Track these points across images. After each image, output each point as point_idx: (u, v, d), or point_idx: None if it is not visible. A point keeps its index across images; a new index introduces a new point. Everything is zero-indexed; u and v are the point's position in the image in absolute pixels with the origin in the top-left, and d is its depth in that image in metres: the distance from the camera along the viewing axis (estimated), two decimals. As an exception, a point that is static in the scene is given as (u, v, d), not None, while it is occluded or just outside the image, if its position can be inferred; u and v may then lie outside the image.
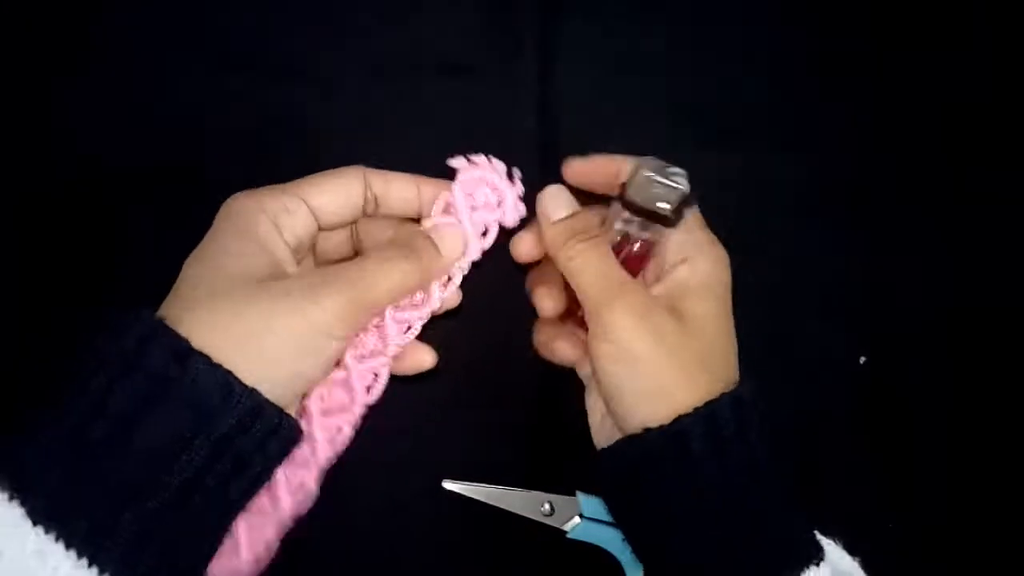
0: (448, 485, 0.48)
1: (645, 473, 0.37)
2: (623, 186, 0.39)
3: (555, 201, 0.41)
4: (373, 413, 0.48)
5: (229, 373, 0.32)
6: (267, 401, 0.34)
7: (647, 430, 0.37)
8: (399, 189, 0.42)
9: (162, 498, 0.32)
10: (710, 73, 0.52)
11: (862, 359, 0.51)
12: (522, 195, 0.43)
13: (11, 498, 0.30)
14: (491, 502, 0.47)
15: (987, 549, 0.49)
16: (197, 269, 0.36)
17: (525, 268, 0.46)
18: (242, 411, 0.33)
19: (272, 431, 0.34)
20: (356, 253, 0.44)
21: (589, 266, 0.39)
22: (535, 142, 0.51)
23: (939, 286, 0.51)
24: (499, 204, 0.43)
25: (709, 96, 0.52)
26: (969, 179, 0.52)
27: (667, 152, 0.51)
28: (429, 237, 0.41)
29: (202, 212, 0.49)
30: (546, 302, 0.43)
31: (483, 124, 0.51)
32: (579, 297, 0.40)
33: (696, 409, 0.36)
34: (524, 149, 0.51)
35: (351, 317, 0.36)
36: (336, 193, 0.40)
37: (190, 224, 0.45)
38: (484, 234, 0.43)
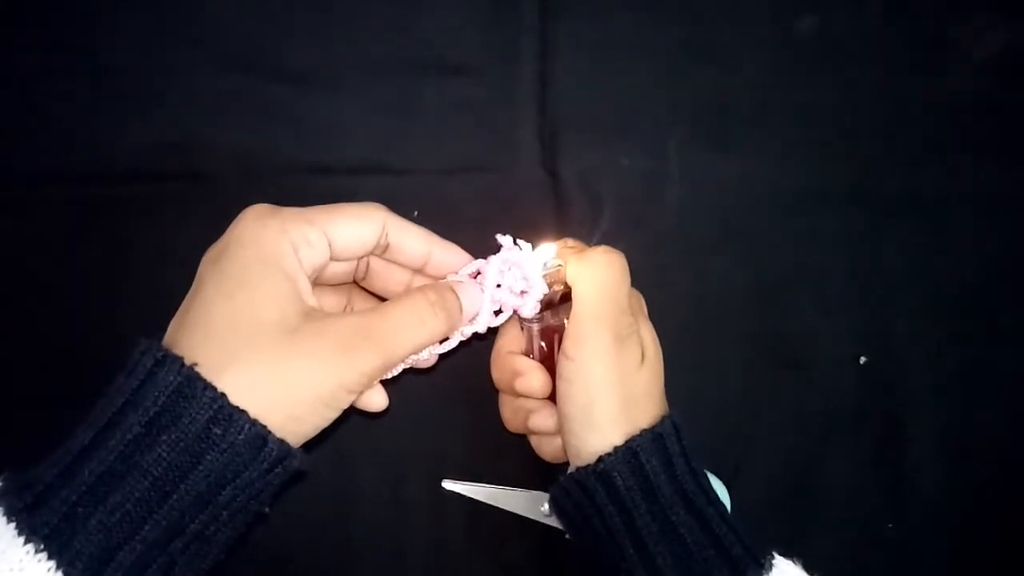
0: (448, 485, 0.48)
1: (585, 509, 0.39)
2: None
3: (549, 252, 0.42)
4: (373, 413, 0.48)
5: (264, 428, 0.33)
6: (294, 450, 0.35)
7: (580, 468, 0.38)
8: (413, 242, 0.41)
9: (184, 539, 0.33)
10: (710, 73, 0.52)
11: (862, 359, 0.51)
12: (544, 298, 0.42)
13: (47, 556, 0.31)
14: (491, 502, 0.47)
15: (987, 549, 0.50)
16: (228, 308, 0.35)
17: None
18: (272, 461, 0.34)
19: (291, 474, 0.36)
20: (355, 282, 0.44)
21: (604, 279, 0.40)
22: (535, 142, 0.51)
23: (939, 286, 0.51)
24: (522, 294, 0.42)
25: (709, 96, 0.52)
26: (970, 179, 0.52)
27: (666, 151, 0.52)
28: (457, 295, 0.40)
29: (202, 212, 0.49)
30: (535, 382, 0.43)
31: (483, 124, 0.51)
32: (575, 305, 0.40)
33: (616, 448, 0.38)
34: (524, 149, 0.51)
35: (378, 374, 0.37)
36: (356, 231, 0.39)
37: (190, 224, 0.45)
38: (497, 313, 0.42)
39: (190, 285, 0.37)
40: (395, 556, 0.48)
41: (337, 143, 0.51)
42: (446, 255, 0.42)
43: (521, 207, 0.51)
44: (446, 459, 0.49)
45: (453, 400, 0.49)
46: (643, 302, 0.43)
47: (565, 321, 0.41)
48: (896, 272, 0.51)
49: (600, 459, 0.38)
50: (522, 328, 0.43)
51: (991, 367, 0.51)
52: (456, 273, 0.42)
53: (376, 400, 0.40)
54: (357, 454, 0.49)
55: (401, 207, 0.50)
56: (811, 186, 0.52)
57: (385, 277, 0.43)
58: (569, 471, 0.40)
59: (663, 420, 0.39)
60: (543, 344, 0.43)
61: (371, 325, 0.36)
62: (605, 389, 0.38)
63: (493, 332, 0.43)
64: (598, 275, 0.40)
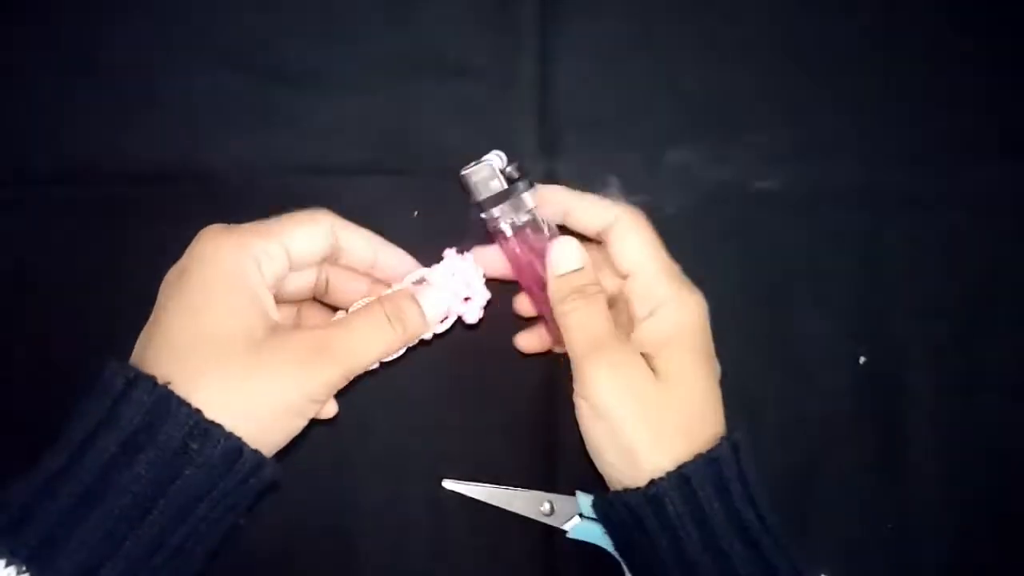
0: (448, 485, 0.48)
1: (630, 529, 0.38)
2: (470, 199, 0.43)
3: (563, 254, 0.41)
4: (373, 413, 0.48)
5: (239, 440, 0.34)
6: (268, 460, 0.36)
7: (625, 490, 0.38)
8: (360, 244, 0.42)
9: (164, 554, 0.34)
10: (710, 73, 0.52)
11: (862, 359, 0.51)
12: (487, 304, 0.45)
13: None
14: (491, 502, 0.47)
15: (987, 549, 0.50)
16: (194, 325, 0.36)
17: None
18: (247, 472, 0.35)
19: (265, 484, 0.37)
20: (315, 298, 0.44)
21: (580, 322, 0.40)
22: (535, 142, 0.51)
23: (939, 286, 0.51)
24: (466, 300, 0.44)
25: (709, 96, 0.52)
26: (970, 179, 0.52)
27: (666, 152, 0.52)
28: (417, 303, 0.41)
29: (202, 212, 0.49)
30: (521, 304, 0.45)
31: (483, 124, 0.51)
32: (568, 352, 0.40)
33: (668, 473, 0.37)
34: (524, 149, 0.51)
35: (340, 384, 0.38)
36: (308, 239, 0.40)
37: (190, 224, 0.45)
38: (442, 320, 0.44)
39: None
40: (395, 556, 0.48)
41: (337, 143, 0.51)
42: (390, 258, 0.43)
43: (521, 207, 0.51)
44: (446, 459, 0.49)
45: (453, 400, 0.49)
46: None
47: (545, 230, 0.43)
48: (896, 272, 0.51)
49: (652, 483, 0.37)
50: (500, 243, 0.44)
51: (991, 367, 0.51)
52: (400, 283, 0.43)
53: (328, 409, 0.41)
54: (357, 454, 0.49)
55: (401, 207, 0.50)
56: (811, 186, 0.52)
57: (344, 289, 0.43)
58: (615, 489, 0.39)
59: (721, 442, 0.38)
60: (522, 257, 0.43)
61: (332, 338, 0.38)
62: (636, 419, 0.38)
63: (439, 338, 0.44)
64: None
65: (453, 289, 0.43)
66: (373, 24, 0.52)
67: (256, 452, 0.35)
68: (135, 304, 0.48)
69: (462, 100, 0.51)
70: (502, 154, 0.43)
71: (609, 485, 0.40)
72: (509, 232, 0.43)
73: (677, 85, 0.52)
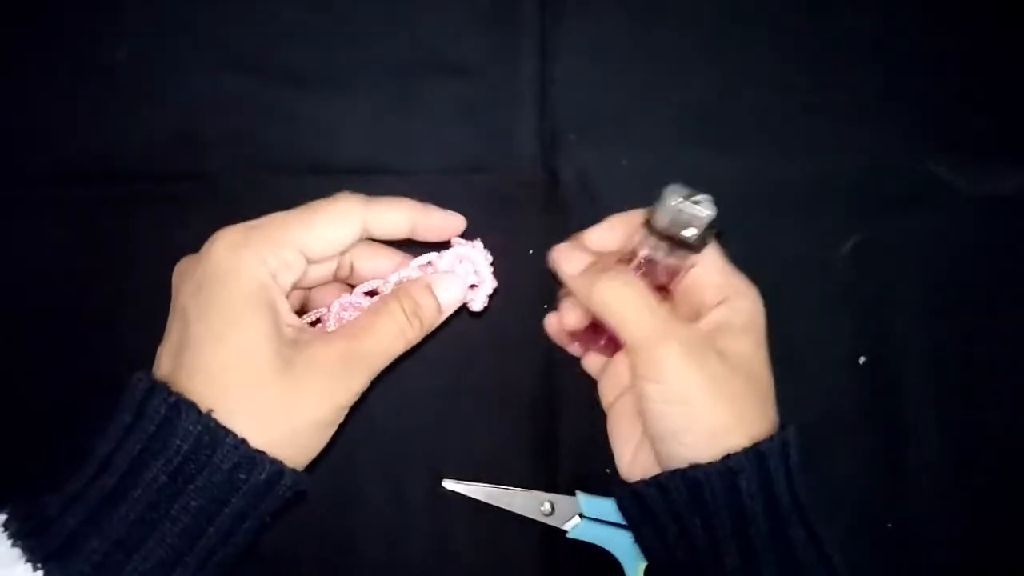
0: (448, 485, 0.48)
1: (690, 507, 0.37)
2: (649, 213, 0.40)
3: (569, 258, 0.41)
4: (374, 413, 0.48)
5: (281, 464, 0.36)
6: (303, 476, 0.37)
7: (696, 465, 0.37)
8: (394, 221, 0.42)
9: (207, 572, 0.36)
10: (710, 73, 0.52)
11: (862, 359, 0.51)
12: (494, 293, 0.45)
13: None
14: (491, 502, 0.47)
15: (987, 549, 0.49)
16: (223, 350, 0.36)
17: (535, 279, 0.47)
18: (286, 489, 0.36)
19: (295, 495, 0.38)
20: (336, 276, 0.44)
21: (629, 304, 0.39)
22: (535, 142, 0.51)
23: (939, 286, 0.51)
24: (472, 287, 0.44)
25: (709, 96, 0.52)
26: (970, 179, 0.52)
27: (666, 151, 0.52)
28: (433, 294, 0.41)
29: (202, 212, 0.49)
30: (570, 316, 0.43)
31: (483, 124, 0.51)
32: (620, 335, 0.39)
33: (745, 449, 0.37)
34: (524, 149, 0.51)
35: (366, 386, 0.39)
36: (331, 236, 0.40)
37: (190, 224, 0.45)
38: None
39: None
40: (395, 556, 0.48)
41: (337, 143, 0.51)
42: (432, 221, 0.43)
43: (521, 207, 0.51)
44: (446, 459, 0.49)
45: (453, 400, 0.49)
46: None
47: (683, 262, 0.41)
48: (896, 272, 0.51)
49: (728, 456, 0.36)
50: (639, 265, 0.41)
51: (991, 367, 0.51)
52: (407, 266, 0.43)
53: None
54: (357, 454, 0.48)
55: (401, 207, 0.50)
56: (811, 185, 0.52)
57: (371, 269, 0.43)
58: (667, 469, 0.38)
59: (787, 427, 0.38)
60: (660, 276, 0.41)
61: (358, 347, 0.38)
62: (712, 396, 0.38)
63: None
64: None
65: (461, 276, 0.43)
66: (373, 24, 0.52)
67: (295, 472, 0.36)
68: (135, 304, 0.48)
69: (462, 100, 0.51)
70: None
71: (663, 466, 0.39)
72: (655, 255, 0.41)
73: (677, 85, 0.52)
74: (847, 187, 0.52)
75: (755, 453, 0.37)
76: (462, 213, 0.50)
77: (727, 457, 0.36)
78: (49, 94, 0.51)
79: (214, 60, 0.51)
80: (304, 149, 0.51)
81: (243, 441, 0.34)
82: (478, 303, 0.44)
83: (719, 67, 0.52)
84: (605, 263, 0.42)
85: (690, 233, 0.39)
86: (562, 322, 0.44)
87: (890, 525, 0.49)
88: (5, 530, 0.33)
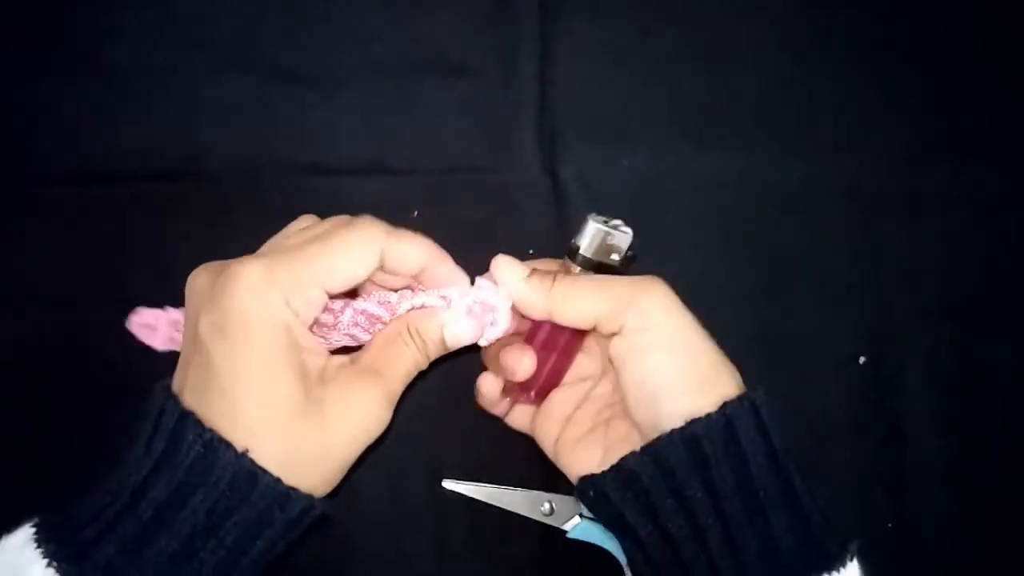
0: (448, 485, 0.48)
1: (688, 467, 0.36)
2: (573, 243, 0.41)
3: (512, 265, 0.41)
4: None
5: (313, 498, 0.37)
6: (328, 502, 0.39)
7: (695, 420, 0.36)
8: (410, 259, 0.40)
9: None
10: (710, 73, 0.52)
11: (862, 359, 0.51)
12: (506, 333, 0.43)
13: None
14: (491, 502, 0.47)
15: (987, 549, 0.50)
16: (254, 393, 0.35)
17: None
18: (313, 516, 0.38)
19: (317, 521, 0.39)
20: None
21: (589, 286, 0.40)
22: (535, 142, 0.51)
23: (939, 286, 0.51)
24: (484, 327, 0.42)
25: (709, 96, 0.52)
26: (970, 179, 0.52)
27: (666, 151, 0.52)
28: (442, 332, 0.41)
29: (202, 212, 0.49)
30: (524, 364, 0.42)
31: (483, 124, 0.51)
32: (597, 314, 0.39)
33: (739, 396, 0.37)
34: (524, 149, 0.51)
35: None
36: (352, 268, 0.39)
37: (190, 224, 0.45)
38: None
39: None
40: (395, 556, 0.48)
41: (337, 143, 0.51)
42: (440, 271, 0.41)
43: (521, 207, 0.51)
44: (446, 459, 0.49)
45: (453, 400, 0.49)
46: None
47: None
48: (896, 272, 0.51)
49: (725, 404, 0.36)
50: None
51: (991, 367, 0.51)
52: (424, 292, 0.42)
53: None
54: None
55: (401, 207, 0.50)
56: (811, 185, 0.52)
57: (379, 287, 0.43)
58: (658, 436, 0.37)
59: (757, 386, 0.38)
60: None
61: (378, 381, 0.39)
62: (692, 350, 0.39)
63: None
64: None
65: (477, 321, 0.42)
66: (373, 24, 0.52)
67: (323, 500, 0.38)
68: (135, 304, 0.48)
69: (462, 100, 0.51)
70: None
71: (645, 437, 0.38)
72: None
73: (677, 85, 0.52)
74: (846, 187, 0.52)
75: (749, 401, 0.37)
76: (462, 213, 0.50)
77: (724, 406, 0.36)
78: (49, 94, 0.51)
79: (214, 60, 0.51)
80: (304, 149, 0.51)
81: (277, 480, 0.35)
82: (485, 340, 0.43)
83: (719, 67, 0.52)
84: (550, 269, 0.42)
85: (615, 258, 0.41)
86: (492, 385, 0.44)
87: (890, 525, 0.49)
88: (37, 545, 0.33)
